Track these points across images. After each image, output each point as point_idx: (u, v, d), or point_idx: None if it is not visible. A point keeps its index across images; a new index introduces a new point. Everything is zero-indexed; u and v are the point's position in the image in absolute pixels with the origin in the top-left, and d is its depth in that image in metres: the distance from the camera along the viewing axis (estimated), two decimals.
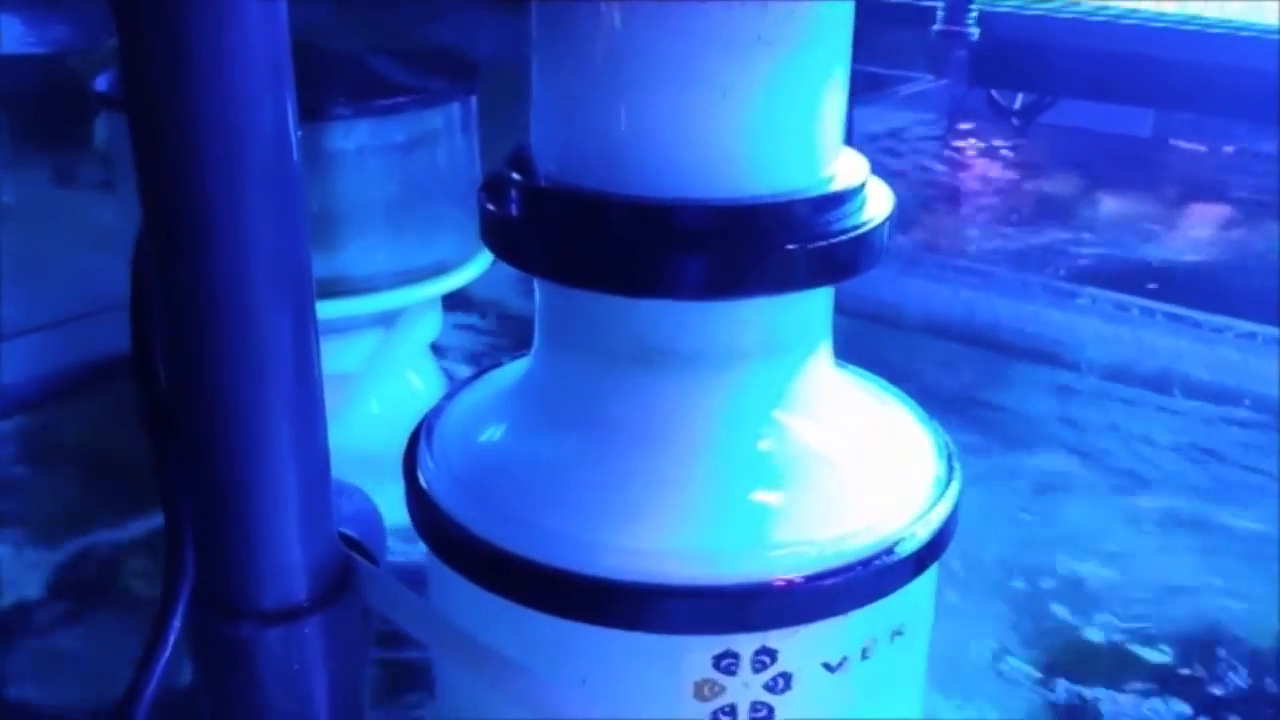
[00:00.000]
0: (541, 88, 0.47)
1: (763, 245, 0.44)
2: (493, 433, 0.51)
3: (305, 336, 0.46)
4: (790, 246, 0.44)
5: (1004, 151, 1.55)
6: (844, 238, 0.45)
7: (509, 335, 1.28)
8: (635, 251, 0.44)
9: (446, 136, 0.91)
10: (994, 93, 1.24)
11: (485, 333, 1.28)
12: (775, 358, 0.47)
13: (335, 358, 0.96)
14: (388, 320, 0.95)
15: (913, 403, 0.54)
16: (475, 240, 0.97)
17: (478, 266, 0.99)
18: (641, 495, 0.46)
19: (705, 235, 0.44)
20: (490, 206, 0.48)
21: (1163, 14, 1.02)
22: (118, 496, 0.94)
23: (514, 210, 0.47)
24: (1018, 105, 1.30)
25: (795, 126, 0.44)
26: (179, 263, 0.42)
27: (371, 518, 0.60)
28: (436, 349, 1.05)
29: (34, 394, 1.05)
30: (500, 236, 0.48)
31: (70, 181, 1.36)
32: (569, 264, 0.45)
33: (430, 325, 1.00)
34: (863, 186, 0.47)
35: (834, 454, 0.48)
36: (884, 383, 0.55)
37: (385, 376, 0.97)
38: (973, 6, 0.84)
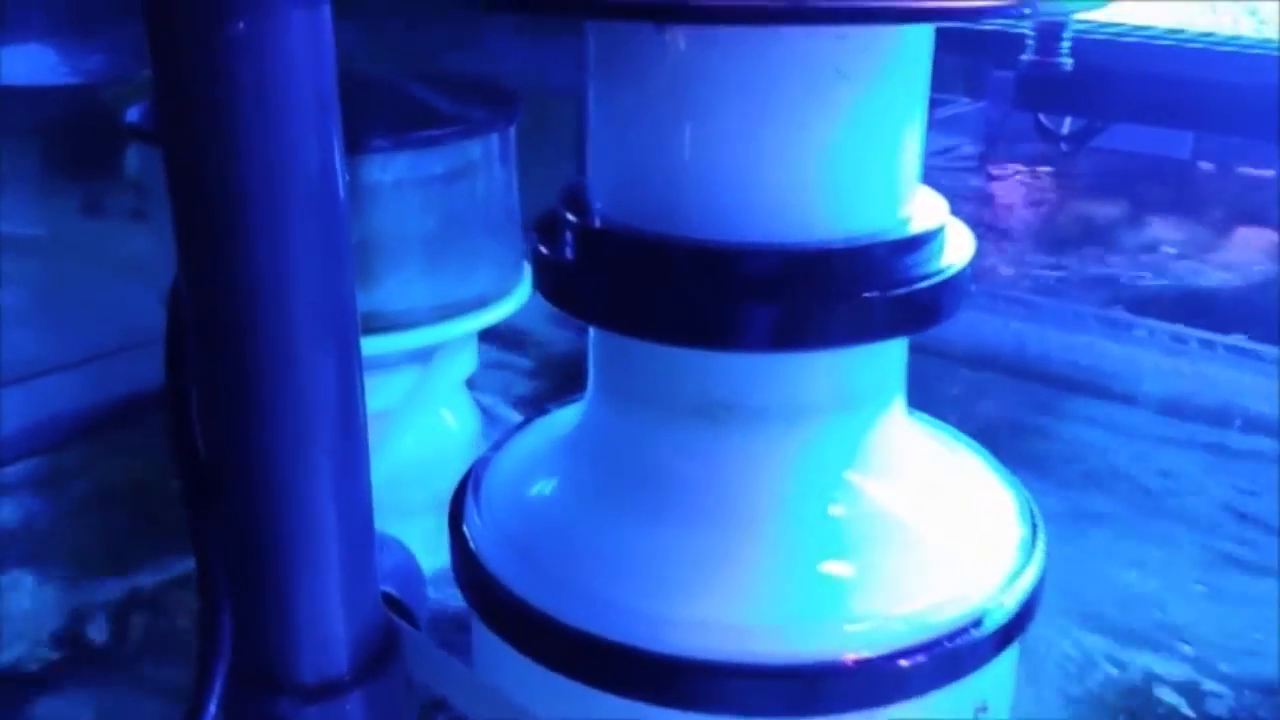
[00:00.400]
0: (599, 121, 0.44)
1: (838, 293, 0.41)
2: (544, 490, 0.48)
3: (350, 384, 0.44)
4: (868, 294, 0.41)
5: (1052, 174, 1.52)
6: (925, 284, 0.41)
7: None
8: (700, 300, 0.41)
9: (485, 168, 0.88)
10: (1042, 117, 1.21)
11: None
12: (848, 412, 0.44)
13: (370, 396, 0.93)
14: (424, 356, 0.92)
15: (991, 457, 0.51)
16: (514, 272, 0.94)
17: (516, 299, 0.96)
18: (705, 564, 0.42)
19: (776, 282, 0.41)
20: (542, 248, 0.45)
21: (1237, 38, 0.99)
22: (157, 535, 0.91)
23: (568, 253, 0.45)
24: (1065, 130, 1.27)
25: (873, 164, 0.41)
26: (218, 308, 0.40)
27: (411, 571, 0.57)
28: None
29: (65, 431, 1.03)
30: (553, 281, 0.45)
31: (101, 211, 1.35)
32: (627, 312, 0.42)
33: (467, 361, 0.98)
34: (942, 228, 0.44)
35: (912, 519, 0.44)
36: (959, 434, 0.52)
37: (420, 414, 0.94)
38: (1065, 35, 0.80)
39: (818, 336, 0.41)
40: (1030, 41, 0.83)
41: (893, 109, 0.41)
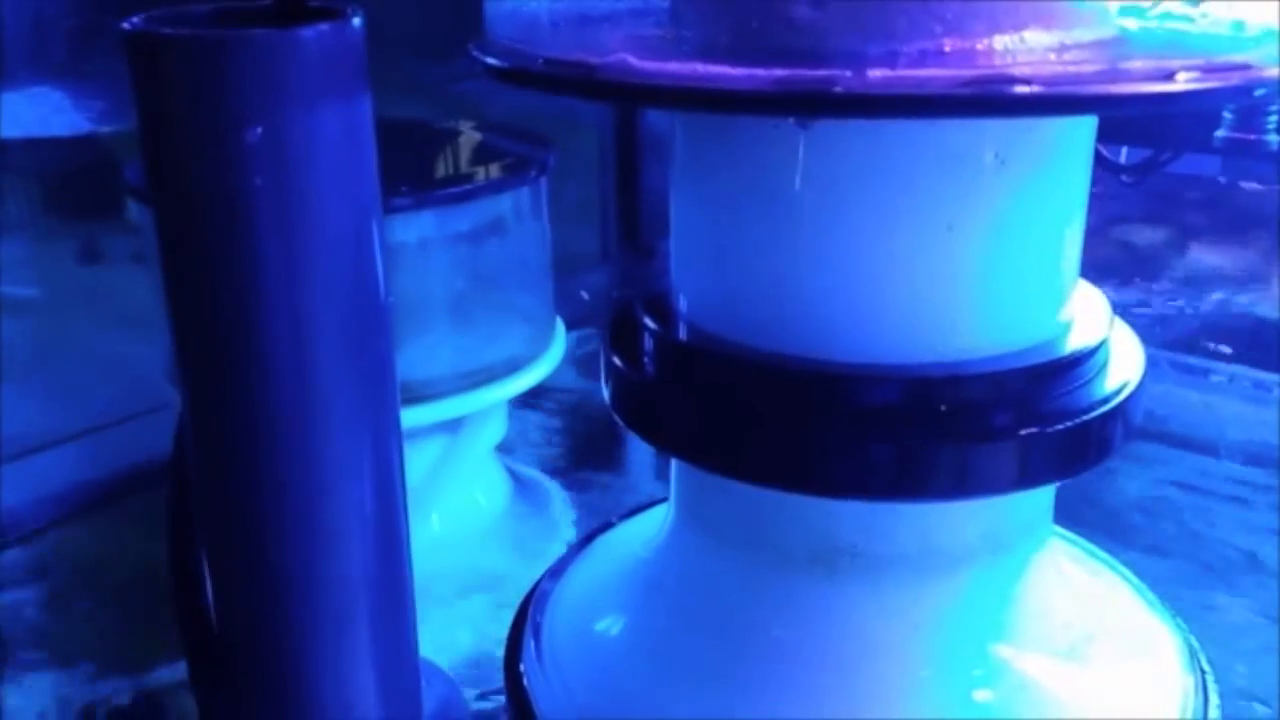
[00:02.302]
0: (688, 213, 0.36)
1: (988, 431, 0.33)
2: (621, 640, 0.40)
3: (393, 532, 0.37)
4: (1025, 432, 0.33)
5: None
6: (1097, 414, 0.34)
7: None
8: (817, 437, 0.33)
9: (516, 222, 0.80)
10: (1099, 147, 1.13)
11: None
12: (998, 555, 0.37)
13: None
14: (450, 426, 0.84)
15: (1142, 585, 0.43)
16: (546, 331, 0.87)
17: (550, 360, 0.88)
18: None
19: (912, 416, 0.33)
20: (618, 362, 0.38)
21: None
22: (154, 624, 0.83)
23: (648, 370, 0.37)
24: (1123, 159, 1.20)
25: (1032, 269, 0.34)
26: (231, 457, 0.32)
27: (457, 710, 0.49)
28: None
29: (59, 511, 0.95)
30: (630, 402, 0.38)
31: (100, 259, 1.27)
32: (721, 449, 0.35)
33: (496, 428, 0.90)
34: (1108, 338, 0.36)
35: (1072, 699, 0.36)
36: (1097, 552, 0.45)
37: (446, 488, 0.86)
38: (1275, 108, 0.71)
39: (965, 485, 0.33)
40: (1228, 115, 0.75)
41: (1057, 196, 0.33)
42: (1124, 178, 1.18)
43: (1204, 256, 1.55)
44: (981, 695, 0.35)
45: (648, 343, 0.37)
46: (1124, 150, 1.28)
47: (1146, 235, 1.67)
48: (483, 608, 0.77)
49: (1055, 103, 0.25)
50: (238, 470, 0.31)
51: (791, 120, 0.30)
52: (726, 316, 0.35)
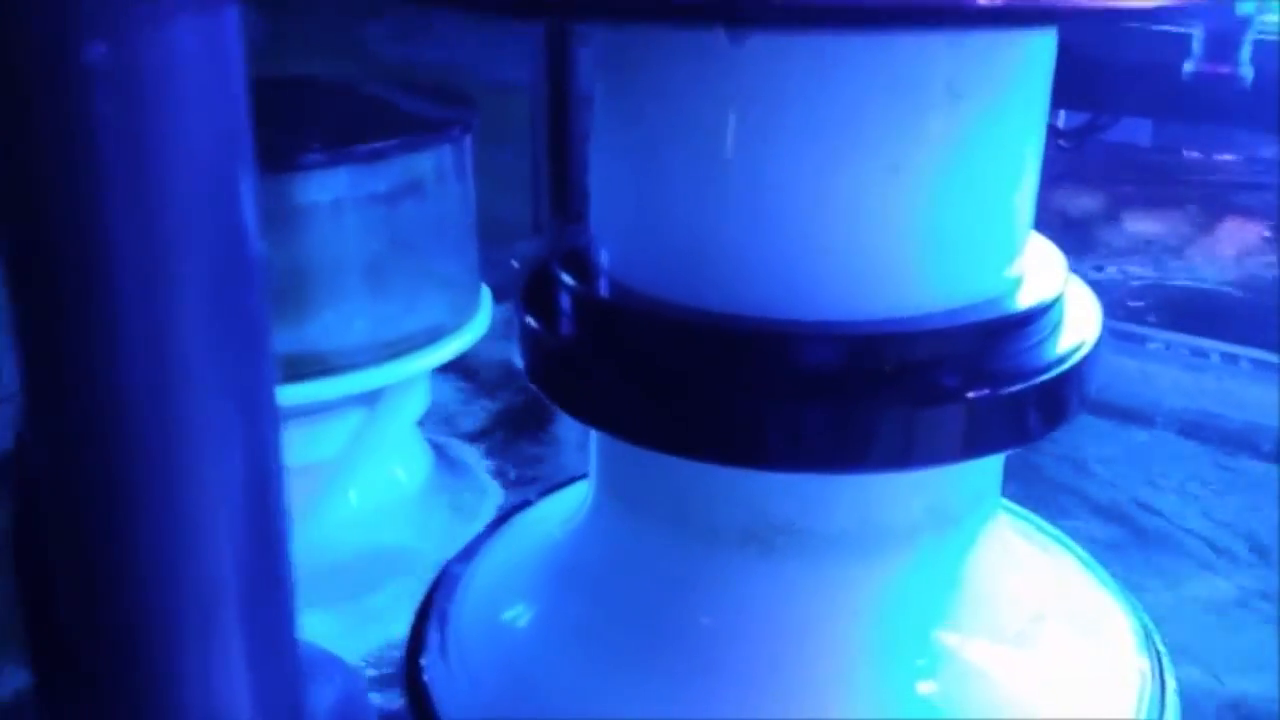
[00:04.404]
0: (610, 156, 0.33)
1: (936, 394, 0.30)
2: (535, 630, 0.37)
3: (270, 521, 0.32)
4: (975, 394, 0.30)
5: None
6: (1049, 376, 0.31)
7: None
8: (749, 403, 0.30)
9: (437, 183, 0.76)
10: None
11: None
12: (943, 532, 0.34)
13: (307, 445, 0.81)
14: (369, 399, 0.80)
15: (1092, 561, 0.41)
16: (470, 299, 0.83)
17: (474, 330, 0.84)
18: None
19: (853, 378, 0.30)
20: (532, 322, 0.34)
21: None
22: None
23: (565, 331, 0.33)
24: (1060, 123, 1.18)
25: (984, 216, 0.31)
26: (81, 440, 0.28)
27: (359, 705, 0.45)
28: None
29: None
30: (545, 366, 0.34)
31: None
32: (648, 418, 0.31)
33: (418, 400, 0.86)
34: (1062, 295, 0.33)
35: (1021, 688, 0.34)
36: (1052, 530, 0.42)
37: (364, 463, 0.82)
38: (1247, 39, 0.67)
39: (911, 452, 0.30)
40: (1196, 47, 0.71)
41: (1013, 134, 0.30)
42: (1061, 142, 1.17)
43: (1139, 224, 1.55)
44: (926, 687, 0.32)
45: (564, 301, 0.34)
46: (1061, 114, 1.26)
47: (1081, 203, 1.67)
48: (400, 591, 0.73)
49: (1022, 14, 0.22)
50: (84, 448, 0.27)
51: (723, 35, 0.26)
52: (650, 270, 0.32)
